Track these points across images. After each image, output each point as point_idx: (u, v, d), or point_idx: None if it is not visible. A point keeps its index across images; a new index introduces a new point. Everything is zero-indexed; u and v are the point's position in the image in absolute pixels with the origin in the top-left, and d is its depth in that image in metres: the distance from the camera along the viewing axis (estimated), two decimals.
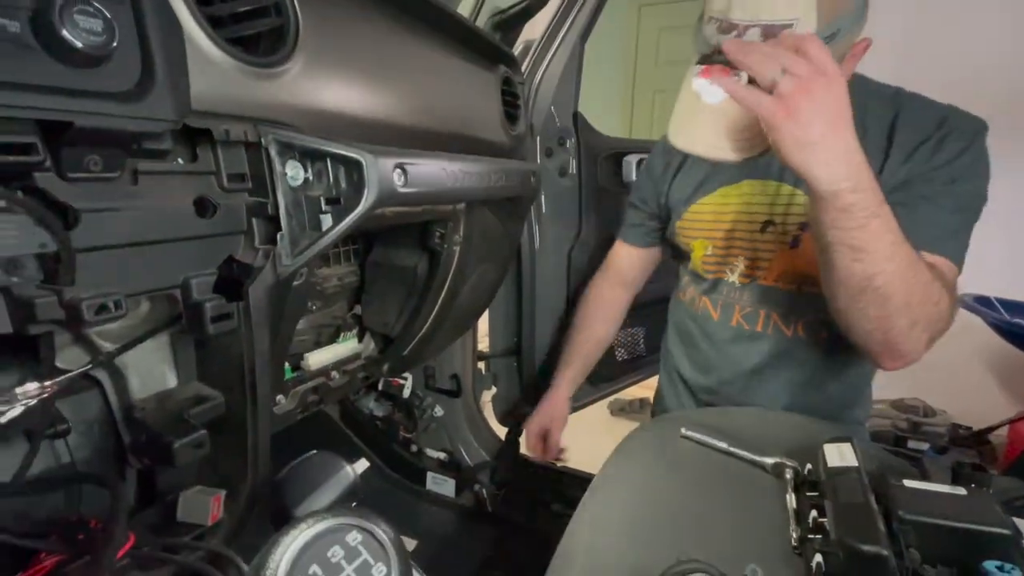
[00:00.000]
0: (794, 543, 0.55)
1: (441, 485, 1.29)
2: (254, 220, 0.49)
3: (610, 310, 1.16)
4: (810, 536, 0.55)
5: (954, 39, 2.19)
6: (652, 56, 2.83)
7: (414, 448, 1.35)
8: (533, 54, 1.17)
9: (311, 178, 0.50)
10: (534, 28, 1.18)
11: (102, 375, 0.46)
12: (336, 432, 1.41)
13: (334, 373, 0.96)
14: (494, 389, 1.39)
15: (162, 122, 0.37)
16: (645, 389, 1.60)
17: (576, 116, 1.27)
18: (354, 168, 0.50)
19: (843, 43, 0.64)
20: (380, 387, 1.30)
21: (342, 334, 1.00)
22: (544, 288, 1.32)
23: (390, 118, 0.63)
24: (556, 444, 1.12)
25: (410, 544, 1.15)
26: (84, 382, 0.47)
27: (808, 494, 0.62)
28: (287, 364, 0.84)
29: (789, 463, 0.66)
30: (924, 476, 0.61)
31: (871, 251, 0.61)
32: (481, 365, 1.34)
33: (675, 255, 1.05)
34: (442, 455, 1.31)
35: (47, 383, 0.36)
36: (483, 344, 1.41)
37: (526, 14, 0.98)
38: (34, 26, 0.31)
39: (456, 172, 0.64)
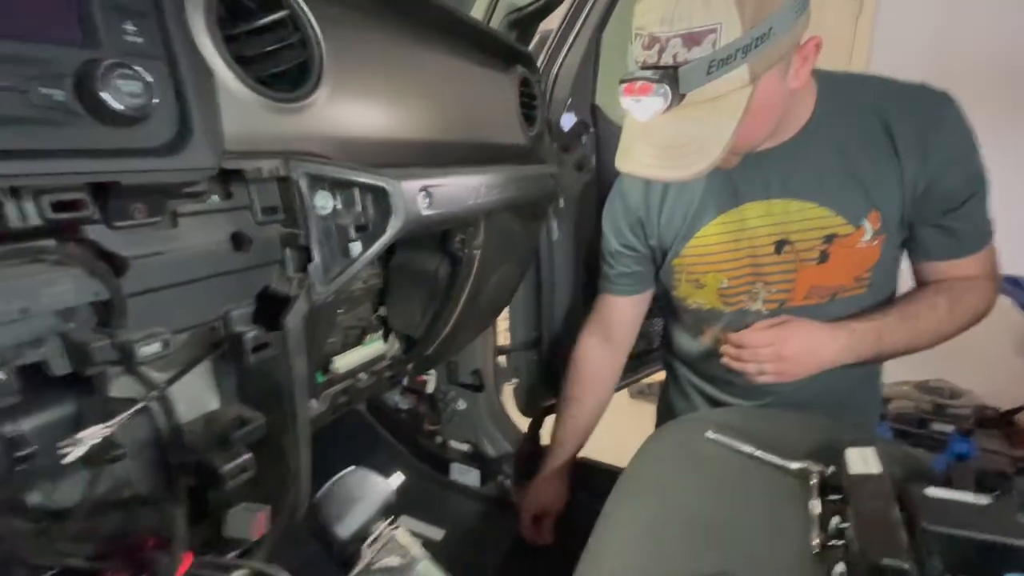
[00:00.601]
0: (816, 550, 0.56)
1: (465, 475, 1.32)
2: (287, 250, 0.50)
3: (603, 379, 1.09)
4: (832, 543, 0.57)
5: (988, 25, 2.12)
6: None
7: (438, 440, 1.39)
8: (549, 47, 1.15)
9: (340, 207, 0.51)
10: (551, 19, 1.16)
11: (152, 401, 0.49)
12: (363, 424, 1.45)
13: (362, 375, 0.99)
14: (515, 381, 1.41)
15: (201, 171, 0.39)
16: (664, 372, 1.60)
17: (594, 109, 1.25)
18: (380, 195, 0.51)
19: (782, 43, 0.60)
20: (405, 382, 1.33)
21: (368, 336, 1.03)
22: (562, 281, 1.32)
23: (412, 136, 0.64)
24: (550, 528, 1.09)
25: (437, 534, 1.19)
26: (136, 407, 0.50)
27: (831, 497, 0.63)
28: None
29: (814, 467, 0.67)
30: (947, 482, 0.62)
31: (902, 348, 0.81)
32: (502, 359, 1.36)
33: (664, 296, 0.99)
34: (466, 447, 1.35)
35: (106, 424, 0.39)
36: (503, 337, 1.43)
37: (542, 12, 0.96)
38: (79, 93, 0.32)
39: (478, 187, 0.65)
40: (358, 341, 1.02)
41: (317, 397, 0.90)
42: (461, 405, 1.32)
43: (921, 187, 0.75)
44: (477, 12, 1.01)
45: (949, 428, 2.23)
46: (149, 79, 0.34)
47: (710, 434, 0.75)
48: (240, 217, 0.47)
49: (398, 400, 1.41)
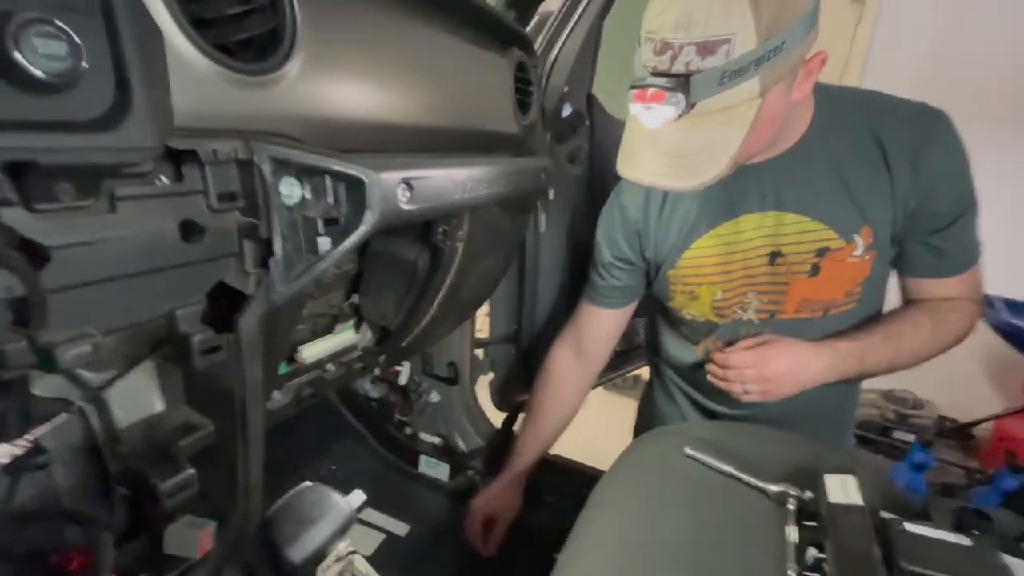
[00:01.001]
0: None
1: (435, 469, 1.29)
2: (245, 242, 0.45)
3: (570, 393, 1.07)
4: (807, 574, 0.55)
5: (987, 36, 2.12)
6: None
7: (408, 431, 1.35)
8: (548, 31, 1.09)
9: (308, 196, 0.46)
10: (551, 1, 1.10)
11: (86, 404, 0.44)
12: (331, 410, 1.40)
13: (329, 365, 0.94)
14: (491, 375, 1.38)
15: (140, 151, 0.33)
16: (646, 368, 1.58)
17: (591, 99, 1.20)
18: (354, 186, 0.46)
19: (792, 57, 0.60)
20: (376, 371, 1.28)
21: (338, 324, 0.97)
22: (548, 275, 1.28)
23: (396, 119, 0.58)
24: (499, 537, 1.05)
25: (401, 529, 1.16)
26: (66, 409, 0.44)
27: (808, 524, 0.61)
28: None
29: (792, 491, 0.66)
30: (926, 515, 0.61)
31: (884, 367, 0.81)
32: (479, 352, 1.32)
33: (659, 305, 0.98)
34: (436, 440, 1.32)
35: (24, 440, 0.34)
36: (481, 329, 1.39)
37: None
38: None
39: (465, 181, 0.60)
40: (328, 330, 0.96)
41: (280, 388, 0.85)
42: (434, 397, 1.28)
43: (912, 204, 0.75)
44: None
45: (911, 438, 2.29)
46: (77, 39, 0.28)
47: (688, 450, 0.73)
48: (191, 203, 0.41)
49: (368, 388, 1.36)
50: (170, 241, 0.40)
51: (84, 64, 0.29)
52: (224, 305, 0.44)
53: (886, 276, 0.85)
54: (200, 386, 0.47)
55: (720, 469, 0.70)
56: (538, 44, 1.08)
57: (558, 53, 1.11)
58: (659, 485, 0.70)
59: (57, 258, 0.34)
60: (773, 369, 0.78)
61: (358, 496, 0.50)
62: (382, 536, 1.12)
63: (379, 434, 1.37)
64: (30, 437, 0.41)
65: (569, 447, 1.24)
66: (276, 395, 0.83)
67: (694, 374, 0.97)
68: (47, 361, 0.34)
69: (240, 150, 0.41)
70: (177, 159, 0.40)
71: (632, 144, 0.67)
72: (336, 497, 0.48)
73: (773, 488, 0.67)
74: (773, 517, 0.62)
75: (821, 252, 0.78)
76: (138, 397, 0.47)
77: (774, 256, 0.81)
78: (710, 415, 0.98)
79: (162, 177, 0.40)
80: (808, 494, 0.65)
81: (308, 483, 0.48)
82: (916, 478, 1.71)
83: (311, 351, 0.89)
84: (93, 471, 0.46)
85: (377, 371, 1.28)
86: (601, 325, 1.01)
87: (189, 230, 0.41)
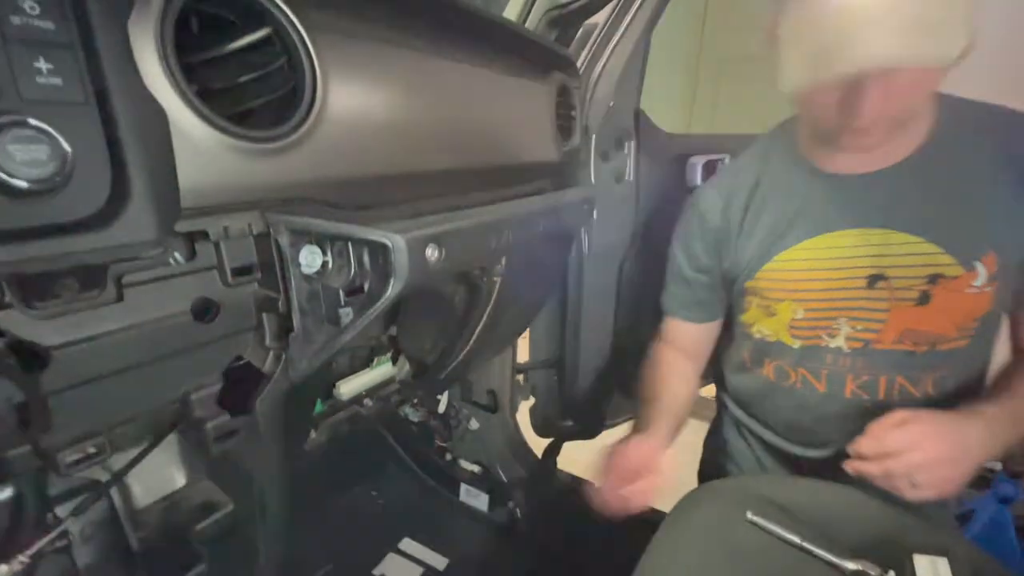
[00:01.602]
0: None
1: (475, 498, 1.26)
2: (264, 315, 0.42)
3: (688, 378, 0.92)
4: None
5: None
6: (724, 23, 2.55)
7: (448, 457, 1.32)
8: (592, 46, 1.03)
9: (330, 263, 0.42)
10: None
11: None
12: (373, 433, 1.39)
13: (367, 400, 0.92)
14: (532, 399, 1.33)
15: (141, 245, 0.30)
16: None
17: (638, 115, 1.13)
18: (379, 252, 0.42)
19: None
20: None
21: (376, 358, 0.95)
22: (592, 300, 1.22)
23: (426, 166, 0.54)
24: (642, 496, 0.74)
25: (440, 562, 1.13)
26: (88, 486, 0.43)
27: None
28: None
29: (872, 572, 0.58)
30: None
31: None
32: (519, 377, 1.28)
33: (725, 321, 0.89)
34: (476, 468, 1.28)
35: (26, 555, 0.32)
36: (523, 352, 1.35)
37: (587, 9, 0.84)
38: None
39: (499, 226, 0.55)
40: (365, 363, 0.95)
41: (316, 428, 0.83)
42: (474, 425, 1.25)
43: None
44: (512, 10, 0.90)
45: (997, 466, 2.08)
46: (61, 139, 0.25)
47: (750, 515, 0.66)
48: (205, 280, 0.39)
49: (409, 411, 1.35)
50: (182, 324, 0.37)
51: (68, 167, 0.26)
52: (241, 384, 0.41)
53: (1004, 313, 0.73)
54: (220, 463, 0.45)
55: (787, 539, 0.63)
56: (582, 58, 1.02)
57: (603, 67, 1.05)
58: (716, 552, 0.63)
59: (58, 358, 0.31)
60: (934, 451, 0.62)
61: None
62: (420, 570, 1.10)
63: (419, 458, 1.35)
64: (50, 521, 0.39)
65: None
66: (312, 435, 0.82)
67: (761, 406, 0.88)
68: (52, 465, 0.32)
69: (255, 223, 0.38)
70: (190, 235, 0.38)
71: (833, 34, 0.57)
72: None
73: (850, 566, 0.59)
74: None
75: (934, 279, 0.68)
76: (159, 471, 0.45)
77: (874, 279, 0.71)
78: (783, 456, 0.88)
79: (176, 255, 0.38)
80: (892, 574, 0.57)
81: None
82: (1001, 512, 1.55)
83: (348, 387, 0.88)
84: (117, 544, 0.44)
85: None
86: (692, 337, 0.92)
87: (203, 308, 0.39)
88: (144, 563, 0.43)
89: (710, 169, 1.24)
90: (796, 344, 0.78)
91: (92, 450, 0.33)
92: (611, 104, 1.08)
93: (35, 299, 0.30)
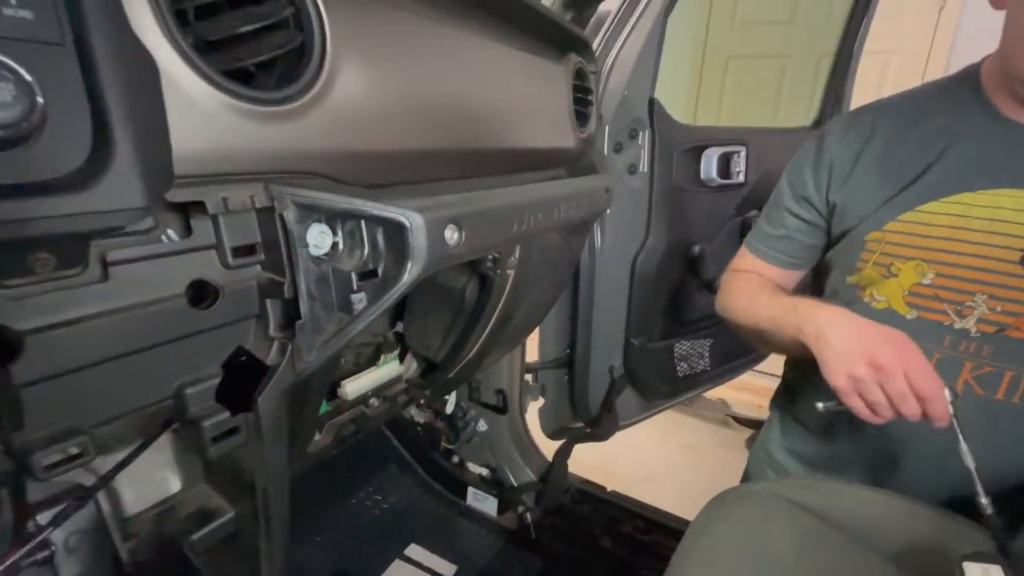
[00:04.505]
0: None
1: (483, 502, 1.21)
2: (268, 302, 0.38)
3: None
4: None
5: None
6: (728, 16, 2.52)
7: (455, 459, 1.28)
8: (607, 31, 0.99)
9: (340, 243, 0.38)
10: None
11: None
12: (375, 434, 1.35)
13: (373, 400, 0.88)
14: (541, 400, 1.29)
15: (126, 212, 0.26)
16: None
17: (652, 104, 1.09)
18: (395, 232, 0.38)
19: None
20: None
21: (382, 356, 0.91)
22: (603, 297, 1.18)
23: (443, 144, 0.50)
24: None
25: (448, 569, 1.09)
26: (72, 491, 0.39)
27: None
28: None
29: None
30: None
31: None
32: (528, 377, 1.24)
33: (818, 279, 0.76)
34: (484, 471, 1.24)
35: (0, 568, 0.27)
36: (532, 350, 1.30)
37: None
38: None
39: (520, 210, 0.51)
40: (371, 361, 0.90)
41: (321, 429, 0.79)
42: (482, 426, 1.21)
43: None
44: None
45: None
46: (27, 76, 0.21)
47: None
48: (202, 259, 0.34)
49: (414, 412, 1.30)
50: (176, 308, 0.33)
51: (37, 113, 0.22)
52: (242, 377, 0.37)
53: None
54: (218, 466, 0.41)
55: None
56: (595, 45, 0.99)
57: (617, 55, 1.01)
58: (749, 565, 0.59)
59: (32, 345, 0.27)
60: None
61: None
62: None
63: (424, 462, 1.31)
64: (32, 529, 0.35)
65: (617, 467, 1.11)
66: (316, 436, 0.77)
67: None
68: (26, 468, 0.28)
69: (258, 196, 0.34)
70: (185, 209, 0.34)
71: None
72: None
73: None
74: None
75: None
76: (151, 475, 0.41)
77: None
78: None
79: (169, 232, 0.34)
80: None
81: None
82: None
83: (354, 386, 0.83)
84: (106, 554, 0.40)
85: None
86: (767, 277, 0.79)
87: (200, 292, 0.35)
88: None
89: (726, 161, 1.20)
90: (911, 315, 0.66)
91: (74, 451, 0.29)
92: (625, 92, 1.04)
93: (5, 276, 0.26)
